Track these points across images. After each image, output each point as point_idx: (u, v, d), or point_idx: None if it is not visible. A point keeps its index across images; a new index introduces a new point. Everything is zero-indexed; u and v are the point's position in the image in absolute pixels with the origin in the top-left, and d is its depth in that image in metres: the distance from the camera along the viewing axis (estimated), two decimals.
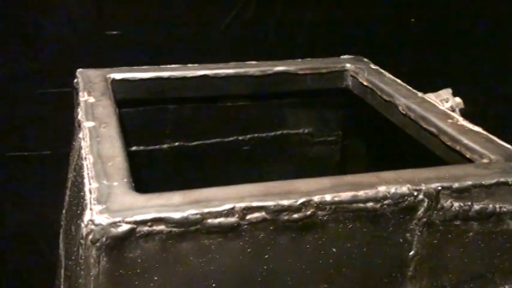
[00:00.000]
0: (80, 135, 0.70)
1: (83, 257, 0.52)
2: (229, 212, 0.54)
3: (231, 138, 0.97)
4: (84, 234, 0.51)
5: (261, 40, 1.23)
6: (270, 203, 0.54)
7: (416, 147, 0.81)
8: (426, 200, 0.58)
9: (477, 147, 0.67)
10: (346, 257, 0.57)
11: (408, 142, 0.82)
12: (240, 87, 0.92)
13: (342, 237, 0.57)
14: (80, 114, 0.74)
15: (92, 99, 0.78)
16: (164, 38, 1.18)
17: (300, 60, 0.96)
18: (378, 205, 0.57)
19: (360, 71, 0.92)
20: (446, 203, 0.59)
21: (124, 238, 0.52)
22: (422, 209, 0.58)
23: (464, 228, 0.60)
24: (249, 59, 0.95)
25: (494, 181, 0.60)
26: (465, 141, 0.69)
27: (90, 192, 0.55)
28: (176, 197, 0.55)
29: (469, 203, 0.59)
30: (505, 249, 0.61)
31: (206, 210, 0.53)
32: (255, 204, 0.54)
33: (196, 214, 0.53)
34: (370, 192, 0.57)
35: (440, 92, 0.94)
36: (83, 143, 0.67)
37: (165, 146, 0.94)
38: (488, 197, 0.60)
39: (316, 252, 0.56)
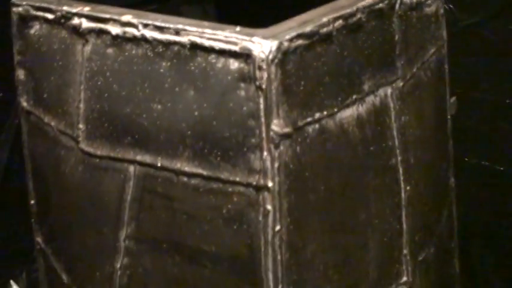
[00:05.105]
0: None
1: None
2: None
3: None
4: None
5: None
6: (343, 12, 0.74)
7: None
8: None
9: None
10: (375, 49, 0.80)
11: None
12: None
13: (373, 33, 0.79)
14: None
15: None
16: None
17: None
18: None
19: None
20: None
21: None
22: (397, 5, 0.85)
23: (411, 15, 0.89)
24: None
25: None
26: None
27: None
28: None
29: None
30: (426, 28, 0.93)
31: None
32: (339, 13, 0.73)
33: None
34: None
35: None
36: None
37: None
38: None
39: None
